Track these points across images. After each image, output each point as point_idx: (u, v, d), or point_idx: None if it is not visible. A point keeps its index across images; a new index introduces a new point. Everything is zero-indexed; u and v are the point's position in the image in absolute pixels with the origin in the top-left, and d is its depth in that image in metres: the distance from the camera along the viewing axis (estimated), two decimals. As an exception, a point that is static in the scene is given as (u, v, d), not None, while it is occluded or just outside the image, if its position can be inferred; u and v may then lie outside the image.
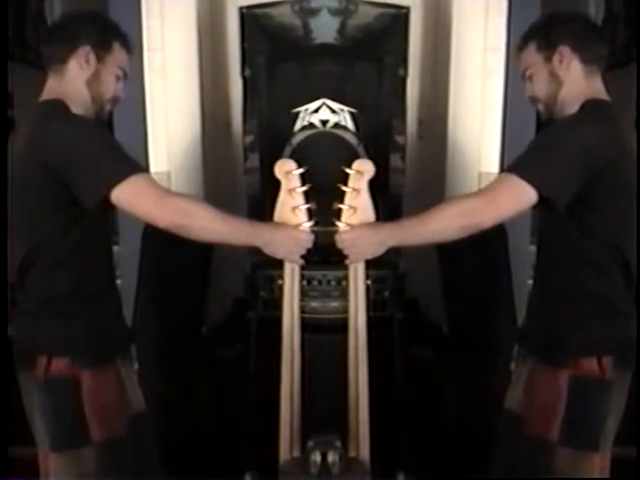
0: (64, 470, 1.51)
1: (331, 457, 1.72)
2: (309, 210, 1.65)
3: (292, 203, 1.64)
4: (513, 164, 1.50)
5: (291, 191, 1.64)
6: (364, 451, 1.78)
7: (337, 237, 1.64)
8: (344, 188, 1.66)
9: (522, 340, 1.69)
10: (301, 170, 1.65)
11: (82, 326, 1.51)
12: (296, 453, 1.80)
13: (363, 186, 1.65)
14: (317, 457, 1.73)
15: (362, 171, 1.65)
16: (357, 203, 1.64)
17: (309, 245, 1.65)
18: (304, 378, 1.83)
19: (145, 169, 1.53)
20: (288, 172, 1.65)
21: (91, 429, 1.50)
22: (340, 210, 1.66)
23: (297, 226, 1.63)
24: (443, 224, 1.54)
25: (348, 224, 1.64)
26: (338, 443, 1.76)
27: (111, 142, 1.50)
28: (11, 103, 2.29)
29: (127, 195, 1.44)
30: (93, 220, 1.50)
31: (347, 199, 1.65)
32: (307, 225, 1.64)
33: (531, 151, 1.51)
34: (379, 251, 1.63)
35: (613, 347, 1.51)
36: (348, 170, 1.66)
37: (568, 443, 1.51)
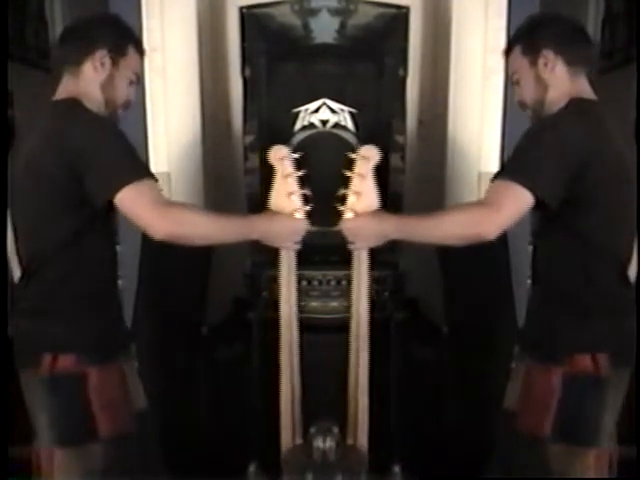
0: (71, 466, 1.53)
1: (328, 443, 1.73)
2: (304, 195, 1.67)
3: (287, 189, 1.66)
4: (506, 170, 1.50)
5: (286, 177, 1.66)
6: (362, 439, 1.80)
7: (341, 224, 1.69)
8: (349, 173, 1.67)
9: (520, 339, 1.70)
10: (295, 155, 1.67)
11: (87, 324, 1.51)
12: (298, 441, 1.82)
13: (368, 172, 1.68)
14: (320, 443, 1.74)
15: (368, 157, 1.67)
16: (362, 188, 1.68)
17: (304, 232, 1.70)
18: (304, 378, 1.84)
19: (153, 174, 1.52)
20: (282, 158, 1.66)
21: (98, 425, 1.51)
22: (345, 196, 1.68)
23: (292, 213, 1.66)
24: (450, 231, 1.55)
25: (352, 210, 1.67)
26: (335, 429, 1.77)
27: (127, 144, 1.50)
28: (11, 103, 2.29)
29: (127, 199, 1.44)
30: (102, 221, 1.51)
31: (352, 184, 1.67)
32: (303, 210, 1.67)
33: (520, 154, 1.51)
34: (380, 241, 1.69)
35: (607, 344, 1.52)
36: (353, 155, 1.68)
37: (561, 439, 1.52)
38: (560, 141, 1.46)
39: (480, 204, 1.59)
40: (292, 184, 1.66)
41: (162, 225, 1.46)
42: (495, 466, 1.68)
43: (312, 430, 1.78)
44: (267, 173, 1.79)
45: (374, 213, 1.67)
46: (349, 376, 1.83)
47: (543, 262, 1.62)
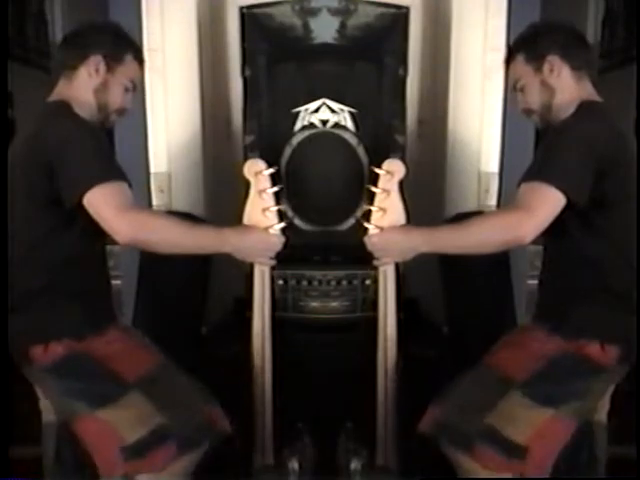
0: (123, 419, 1.52)
1: (354, 465, 1.72)
2: (279, 211, 1.63)
3: (262, 205, 1.61)
4: (535, 172, 1.49)
5: (261, 192, 1.61)
6: (390, 457, 1.80)
7: (367, 240, 1.63)
8: (374, 189, 1.63)
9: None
10: (271, 170, 1.63)
11: (70, 315, 1.52)
12: (269, 459, 1.82)
13: (393, 187, 1.62)
14: (295, 464, 1.73)
15: (392, 171, 1.63)
16: (387, 204, 1.61)
17: (279, 248, 1.64)
18: (304, 377, 1.84)
19: (127, 179, 1.50)
20: (258, 172, 1.62)
21: (123, 375, 1.53)
22: (369, 212, 1.63)
23: (267, 229, 1.61)
24: (485, 237, 1.53)
25: (378, 226, 1.61)
26: (364, 452, 1.75)
27: (102, 146, 1.49)
28: (11, 103, 2.29)
29: (93, 201, 1.43)
30: (82, 219, 1.49)
31: (377, 200, 1.62)
32: (278, 227, 1.61)
33: (545, 157, 1.50)
34: (409, 256, 1.62)
35: (619, 338, 1.52)
36: (378, 170, 1.63)
37: (528, 394, 1.52)
38: (584, 141, 1.47)
39: (513, 208, 1.55)
40: (267, 200, 1.61)
41: (125, 229, 1.44)
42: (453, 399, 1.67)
43: (286, 452, 1.76)
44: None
45: (401, 227, 1.62)
46: (377, 403, 1.80)
47: (556, 260, 1.62)
